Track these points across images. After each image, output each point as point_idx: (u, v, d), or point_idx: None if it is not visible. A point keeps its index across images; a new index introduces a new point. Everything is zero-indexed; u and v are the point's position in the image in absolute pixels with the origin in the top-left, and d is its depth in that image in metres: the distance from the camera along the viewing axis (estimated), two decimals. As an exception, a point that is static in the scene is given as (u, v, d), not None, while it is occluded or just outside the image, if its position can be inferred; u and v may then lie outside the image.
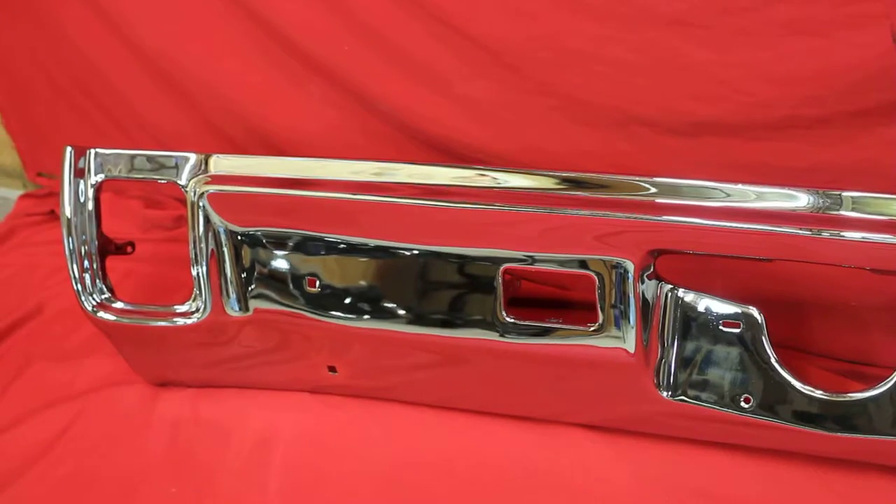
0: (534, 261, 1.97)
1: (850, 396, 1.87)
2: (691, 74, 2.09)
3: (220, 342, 2.23)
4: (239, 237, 2.12)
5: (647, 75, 2.13)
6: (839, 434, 1.88)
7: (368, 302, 2.10)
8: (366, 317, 2.11)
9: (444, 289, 2.06)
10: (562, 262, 1.95)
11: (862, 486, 1.97)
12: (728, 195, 1.81)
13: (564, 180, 1.91)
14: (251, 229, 2.11)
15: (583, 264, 1.94)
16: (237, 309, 2.16)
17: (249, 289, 2.14)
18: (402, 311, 2.08)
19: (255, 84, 2.60)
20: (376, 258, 2.08)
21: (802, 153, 2.07)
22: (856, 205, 1.76)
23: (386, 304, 2.09)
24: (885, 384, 1.85)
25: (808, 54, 1.99)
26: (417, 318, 2.08)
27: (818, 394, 1.88)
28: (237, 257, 2.13)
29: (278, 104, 2.59)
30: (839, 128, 2.03)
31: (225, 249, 2.13)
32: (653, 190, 1.85)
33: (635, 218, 1.86)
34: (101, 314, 2.24)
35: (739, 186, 1.81)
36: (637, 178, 1.87)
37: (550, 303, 2.27)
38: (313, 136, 2.55)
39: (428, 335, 2.08)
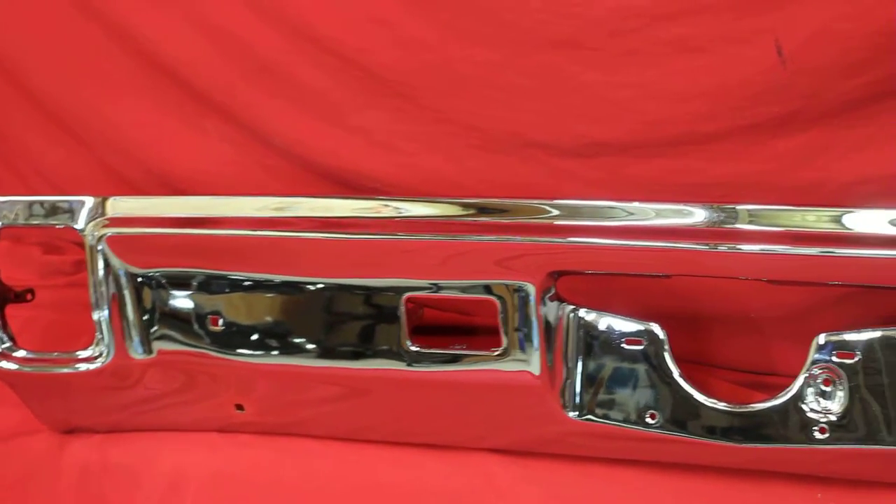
0: (436, 288, 1.97)
1: (753, 407, 1.89)
2: (583, 96, 2.11)
3: (126, 386, 2.20)
4: (140, 279, 2.10)
5: (539, 99, 2.15)
6: (745, 445, 1.90)
7: (273, 337, 2.09)
8: (271, 352, 2.09)
9: (349, 321, 2.06)
10: (463, 289, 1.95)
11: (772, 495, 1.99)
12: (630, 214, 1.83)
13: (464, 206, 1.92)
14: (152, 270, 2.09)
15: (484, 289, 1.94)
16: (141, 351, 2.14)
17: (152, 331, 2.12)
18: (307, 345, 2.07)
19: (150, 124, 2.58)
20: (279, 293, 2.07)
21: (697, 169, 2.10)
22: (751, 217, 1.79)
23: (291, 339, 2.08)
24: (787, 393, 1.87)
25: (698, 71, 2.02)
26: (323, 352, 2.07)
27: (722, 406, 1.90)
28: (139, 299, 2.11)
29: (174, 143, 2.56)
30: (732, 143, 2.05)
31: (126, 292, 2.11)
32: (552, 212, 1.86)
33: (534, 241, 1.87)
34: (3, 364, 2.21)
35: (637, 204, 1.83)
36: (536, 202, 1.88)
37: (455, 329, 2.28)
38: (212, 174, 2.53)
39: (334, 368, 2.07)
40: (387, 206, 1.97)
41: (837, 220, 1.76)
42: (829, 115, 1.98)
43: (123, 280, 2.10)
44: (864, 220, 1.75)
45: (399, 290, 1.99)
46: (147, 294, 2.11)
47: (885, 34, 1.88)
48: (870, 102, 1.96)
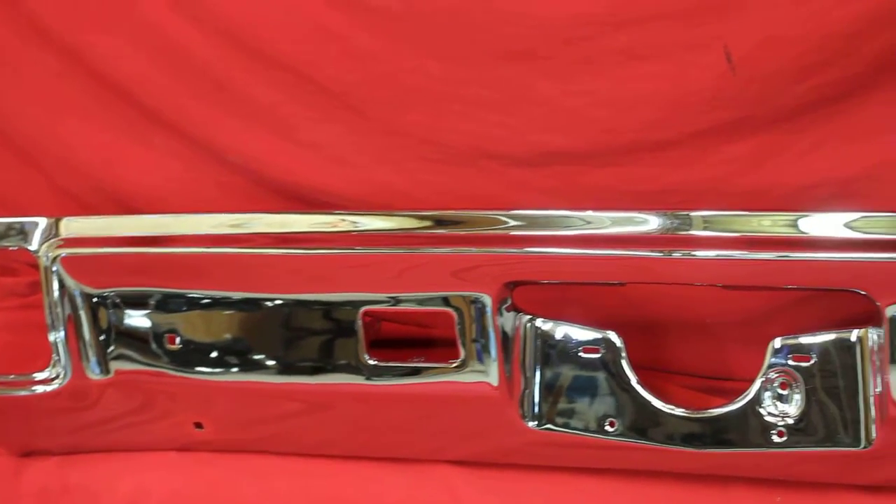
0: (393, 301, 1.97)
1: (711, 412, 1.90)
2: (537, 105, 2.12)
3: (83, 407, 2.19)
4: (95, 299, 2.09)
5: (493, 109, 2.15)
6: (705, 450, 1.90)
7: (231, 354, 2.08)
8: (229, 370, 2.09)
9: (307, 336, 2.05)
10: (420, 301, 1.96)
11: (733, 499, 1.99)
12: (587, 222, 1.84)
13: (419, 219, 1.92)
14: (108, 290, 2.08)
15: (441, 301, 1.94)
16: (98, 372, 2.12)
17: (109, 351, 2.11)
18: (266, 362, 2.07)
19: (102, 144, 2.55)
20: (237, 310, 2.06)
21: (651, 176, 2.11)
22: (706, 223, 1.80)
23: (249, 356, 2.07)
24: (744, 398, 1.88)
25: (650, 79, 2.03)
26: (282, 367, 2.07)
27: (679, 412, 1.91)
28: (95, 320, 2.10)
29: (127, 162, 2.54)
30: (685, 149, 2.07)
31: (82, 313, 2.10)
32: (507, 223, 1.87)
33: (489, 252, 1.88)
34: (-41, 387, 2.19)
35: (591, 213, 1.84)
36: (491, 213, 1.89)
37: (414, 342, 2.27)
38: (165, 192, 2.51)
39: (293, 383, 2.07)
40: (343, 220, 1.97)
41: (793, 224, 1.78)
42: (780, 120, 2.00)
43: (79, 300, 2.09)
44: (820, 224, 1.77)
45: (356, 304, 1.99)
46: (103, 314, 2.10)
47: (833, 38, 1.90)
48: (820, 106, 1.97)
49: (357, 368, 2.02)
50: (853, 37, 1.89)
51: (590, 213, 1.85)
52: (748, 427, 1.88)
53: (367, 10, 2.16)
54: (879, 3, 1.85)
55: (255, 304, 2.05)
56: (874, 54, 1.90)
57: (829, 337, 1.85)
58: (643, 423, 1.93)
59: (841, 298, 1.83)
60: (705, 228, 1.80)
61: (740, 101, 1.99)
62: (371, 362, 2.01)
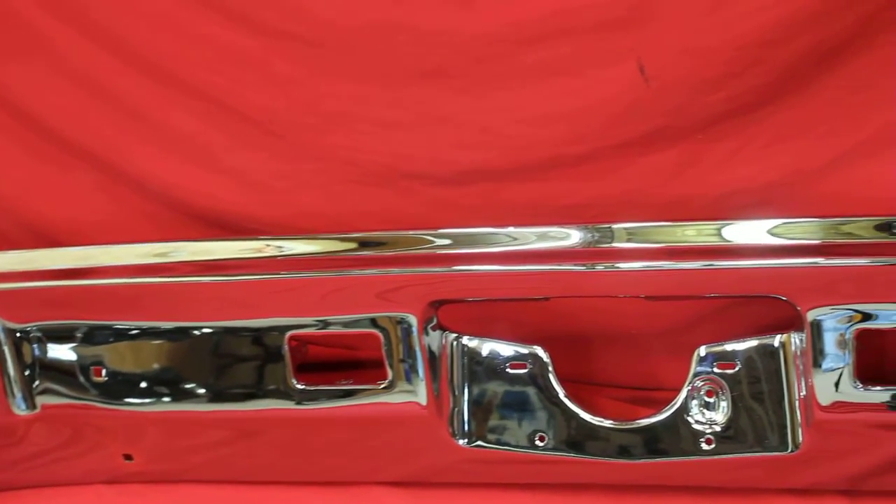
0: (319, 325, 1.98)
1: (640, 423, 1.91)
2: (454, 124, 2.12)
3: (10, 443, 2.17)
4: (19, 334, 2.07)
5: (412, 130, 2.15)
6: (635, 461, 1.92)
7: (159, 384, 2.08)
8: (157, 399, 2.08)
9: (235, 362, 2.05)
10: (346, 324, 1.96)
11: (667, 507, 2.01)
12: (513, 239, 1.85)
13: (343, 241, 1.93)
14: (32, 325, 2.07)
15: (367, 323, 1.95)
16: (24, 407, 2.11)
17: (35, 385, 2.10)
18: (194, 390, 2.06)
19: (20, 176, 2.51)
20: (164, 340, 2.06)
21: (571, 190, 2.11)
22: (629, 235, 1.81)
23: (178, 385, 2.07)
24: (671, 407, 1.90)
25: (564, 94, 2.04)
26: (211, 395, 2.06)
27: (608, 424, 1.92)
28: (19, 355, 2.09)
29: (47, 195, 2.50)
30: (602, 161, 2.08)
31: (5, 348, 2.08)
32: (430, 242, 1.88)
33: (413, 272, 1.88)
34: None
35: (513, 229, 1.85)
36: (413, 233, 1.90)
37: (342, 364, 2.27)
38: (87, 224, 2.48)
39: (223, 411, 2.07)
40: (268, 245, 1.98)
41: (717, 232, 1.80)
42: (695, 130, 2.02)
43: (2, 336, 2.07)
44: (744, 231, 1.79)
45: (282, 329, 1.99)
46: (27, 349, 2.08)
47: (743, 48, 1.92)
48: (735, 115, 2.00)
49: (285, 393, 2.02)
50: (762, 46, 1.91)
51: (512, 229, 1.86)
52: (677, 436, 1.90)
53: (281, 37, 2.16)
54: (785, 13, 1.88)
55: (181, 332, 2.05)
56: (784, 62, 1.93)
57: (752, 343, 1.87)
58: (573, 436, 1.94)
59: (764, 305, 1.85)
60: (629, 240, 1.82)
61: (655, 112, 2.00)
62: (299, 387, 2.01)
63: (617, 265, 1.83)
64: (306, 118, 2.20)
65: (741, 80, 1.94)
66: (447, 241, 1.88)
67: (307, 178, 2.26)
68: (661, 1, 1.94)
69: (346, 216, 2.25)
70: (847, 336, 1.78)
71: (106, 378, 2.09)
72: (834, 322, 1.78)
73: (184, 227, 2.41)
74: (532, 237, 1.85)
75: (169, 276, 2.01)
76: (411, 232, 1.90)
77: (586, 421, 1.93)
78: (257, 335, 2.02)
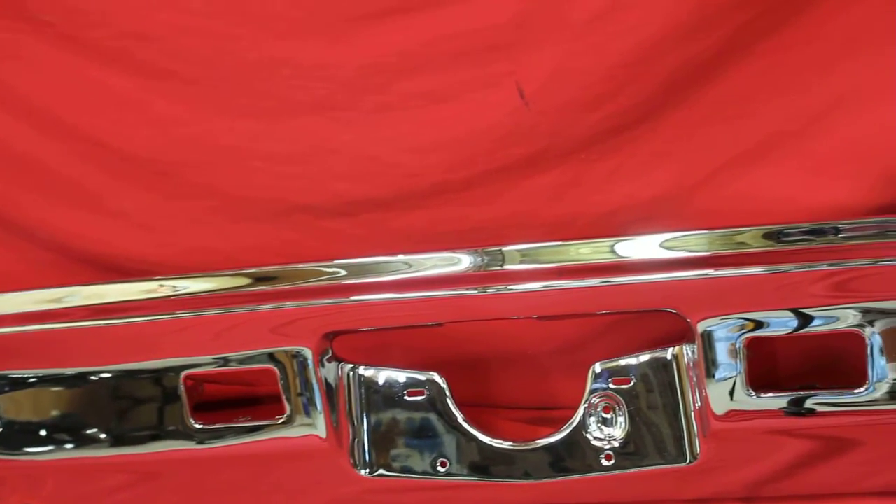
0: (214, 362, 1.97)
1: (539, 442, 1.92)
2: (341, 155, 2.13)
3: None
4: None
5: (299, 163, 2.15)
6: (536, 481, 1.93)
7: (58, 431, 2.05)
8: (56, 447, 2.06)
9: (132, 405, 2.03)
10: (241, 360, 1.96)
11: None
12: (408, 266, 1.86)
13: (235, 277, 1.92)
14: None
15: (263, 358, 1.94)
16: (-83, 463, 2.08)
17: (-77, 439, 2.07)
18: (93, 435, 2.04)
19: None
20: (61, 386, 2.04)
21: (460, 215, 2.13)
22: (521, 256, 1.83)
23: (76, 431, 2.05)
24: (570, 425, 1.91)
25: (447, 121, 2.06)
26: (110, 439, 2.04)
27: (508, 445, 1.92)
28: (-90, 410, 2.06)
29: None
30: (489, 186, 2.10)
31: None
32: (323, 274, 1.88)
33: (304, 305, 1.89)
34: None
35: (403, 256, 1.86)
36: (306, 265, 1.90)
37: (240, 401, 2.26)
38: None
39: (122, 455, 2.05)
40: (162, 285, 1.97)
41: (610, 249, 1.82)
42: (576, 150, 2.04)
43: None
44: (636, 247, 1.82)
45: (177, 369, 1.98)
46: (-81, 403, 2.05)
47: (619, 67, 1.95)
48: (613, 134, 2.03)
49: (184, 433, 2.01)
50: (636, 64, 1.94)
51: (402, 256, 1.86)
52: (577, 453, 1.91)
53: (157, 76, 2.16)
54: (656, 30, 1.91)
55: (79, 378, 2.03)
56: (659, 79, 1.96)
57: (645, 358, 1.89)
58: (474, 459, 1.94)
59: (656, 318, 1.87)
60: (521, 262, 1.83)
61: (536, 134, 2.03)
62: (197, 426, 1.99)
63: (509, 287, 1.84)
64: (192, 156, 2.19)
65: (618, 98, 1.97)
66: (340, 272, 1.88)
67: (195, 215, 2.24)
68: (536, 24, 1.97)
69: (237, 251, 2.24)
70: (738, 345, 1.81)
71: (2, 428, 2.06)
72: (724, 332, 1.81)
73: (82, 272, 2.38)
74: (423, 264, 1.85)
75: (62, 322, 1.99)
76: (303, 265, 1.90)
77: (486, 444, 1.93)
78: (154, 376, 2.00)
